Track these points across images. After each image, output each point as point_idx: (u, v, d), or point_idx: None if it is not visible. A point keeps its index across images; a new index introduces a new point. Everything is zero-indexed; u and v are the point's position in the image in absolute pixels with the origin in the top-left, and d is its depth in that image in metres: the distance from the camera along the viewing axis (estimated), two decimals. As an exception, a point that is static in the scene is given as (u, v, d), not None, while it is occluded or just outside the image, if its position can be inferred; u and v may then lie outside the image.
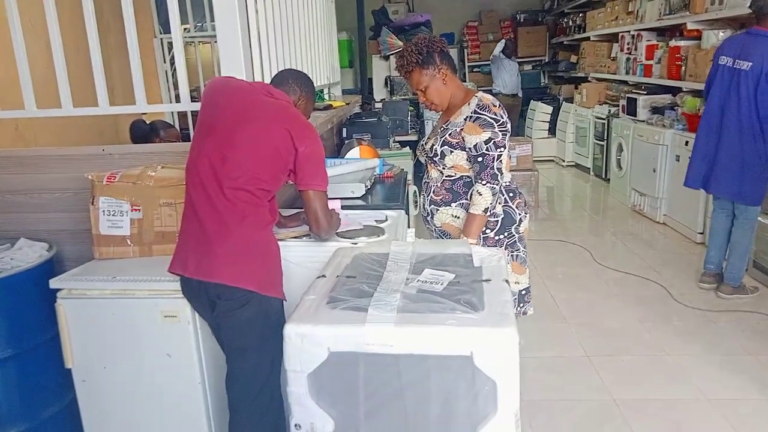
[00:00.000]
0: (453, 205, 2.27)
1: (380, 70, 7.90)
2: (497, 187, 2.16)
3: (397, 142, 4.91)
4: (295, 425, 1.44)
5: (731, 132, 3.50)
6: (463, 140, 2.18)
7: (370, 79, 7.93)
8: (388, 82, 7.82)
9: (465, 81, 9.07)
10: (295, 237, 2.10)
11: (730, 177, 3.56)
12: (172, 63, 5.58)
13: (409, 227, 2.61)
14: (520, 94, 8.49)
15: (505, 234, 2.27)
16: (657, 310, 3.63)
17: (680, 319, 3.51)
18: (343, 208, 2.42)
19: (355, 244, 2.00)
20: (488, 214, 2.18)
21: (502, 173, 2.18)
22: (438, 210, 2.30)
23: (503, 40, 8.42)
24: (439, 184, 2.29)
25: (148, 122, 3.57)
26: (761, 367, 2.95)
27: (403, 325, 1.35)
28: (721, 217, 3.78)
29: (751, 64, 3.38)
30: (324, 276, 1.64)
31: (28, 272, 2.07)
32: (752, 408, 2.63)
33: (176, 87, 5.40)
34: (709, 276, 3.88)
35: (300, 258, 2.02)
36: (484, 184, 2.15)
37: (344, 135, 4.54)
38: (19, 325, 2.07)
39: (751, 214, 3.64)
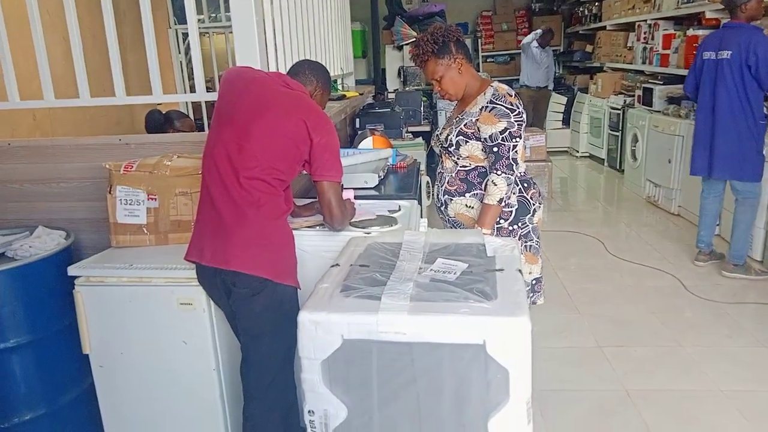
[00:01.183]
0: (467, 195, 2.27)
1: (393, 60, 7.88)
2: (512, 178, 2.16)
3: (410, 132, 4.91)
4: (309, 411, 1.46)
5: (724, 116, 3.76)
6: (479, 130, 2.18)
7: (384, 70, 7.91)
8: (402, 73, 7.81)
9: (479, 71, 9.00)
10: (309, 226, 2.11)
11: (729, 158, 3.77)
12: (187, 53, 5.61)
13: (421, 217, 2.62)
14: (551, 87, 8.00)
15: (519, 224, 2.27)
16: (671, 302, 3.62)
17: (694, 311, 3.49)
18: (357, 197, 2.43)
19: (369, 233, 2.01)
20: (503, 204, 2.19)
21: (517, 163, 2.17)
22: (452, 200, 2.31)
23: (540, 30, 7.69)
24: (453, 175, 2.29)
25: (162, 113, 3.59)
26: (776, 359, 2.93)
27: (416, 314, 1.35)
28: (711, 199, 4.04)
29: (730, 52, 3.69)
30: (338, 265, 1.65)
31: (46, 260, 2.10)
32: (765, 399, 2.61)
33: (191, 77, 5.44)
34: (703, 254, 4.14)
35: (314, 247, 2.04)
36: (499, 175, 2.15)
37: (357, 125, 4.55)
38: (38, 311, 2.10)
39: (752, 193, 3.78)
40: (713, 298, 3.62)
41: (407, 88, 7.45)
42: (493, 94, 2.18)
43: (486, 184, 2.20)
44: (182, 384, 2.03)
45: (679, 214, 5.29)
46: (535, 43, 7.60)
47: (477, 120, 2.18)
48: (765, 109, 3.76)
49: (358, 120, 4.59)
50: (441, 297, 1.41)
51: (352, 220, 2.09)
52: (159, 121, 3.48)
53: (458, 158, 2.26)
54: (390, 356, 1.38)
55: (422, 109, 5.88)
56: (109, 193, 2.17)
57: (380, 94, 6.26)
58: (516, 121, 2.15)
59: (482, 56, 9.57)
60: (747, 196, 3.77)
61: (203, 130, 3.63)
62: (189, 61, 5.62)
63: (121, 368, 2.04)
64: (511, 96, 2.18)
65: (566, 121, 8.42)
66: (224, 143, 1.78)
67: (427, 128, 5.58)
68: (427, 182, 3.13)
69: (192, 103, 5.19)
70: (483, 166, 2.23)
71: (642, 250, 4.52)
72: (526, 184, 2.29)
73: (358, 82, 6.28)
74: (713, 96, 3.80)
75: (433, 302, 1.39)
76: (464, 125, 2.21)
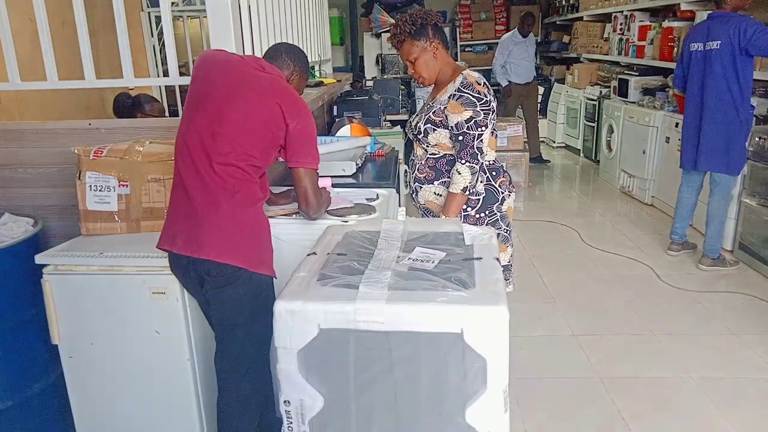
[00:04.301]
0: (435, 183, 2.28)
1: (371, 47, 7.83)
2: (477, 167, 2.16)
3: (388, 120, 4.89)
4: (285, 402, 1.44)
5: (713, 108, 3.72)
6: (447, 118, 2.18)
7: (362, 57, 7.86)
8: (380, 60, 7.76)
9: (457, 60, 8.96)
10: (284, 214, 2.08)
11: (716, 151, 3.75)
12: (160, 37, 5.49)
13: (399, 206, 2.60)
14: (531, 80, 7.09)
15: (487, 212, 2.28)
16: (644, 291, 3.67)
17: (666, 300, 3.54)
18: (334, 185, 2.41)
19: (346, 221, 1.99)
20: (467, 193, 2.19)
21: (482, 152, 2.17)
22: (422, 187, 2.32)
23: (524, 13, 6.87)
24: (423, 162, 2.30)
25: (131, 96, 3.50)
26: (744, 346, 2.99)
27: (393, 303, 1.34)
28: (689, 192, 4.06)
29: (719, 42, 3.63)
30: (315, 253, 1.63)
31: (12, 247, 2.04)
32: (734, 386, 2.67)
33: (164, 62, 5.32)
34: (676, 244, 4.21)
35: (290, 235, 2.01)
36: (463, 164, 2.15)
37: (335, 113, 4.51)
38: (4, 300, 2.04)
39: (727, 186, 3.80)
40: (685, 287, 3.68)
41: (385, 76, 7.42)
42: (461, 83, 2.17)
43: (452, 173, 2.20)
44: (155, 375, 1.99)
45: (652, 204, 5.37)
46: (518, 37, 6.89)
47: (445, 108, 2.18)
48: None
49: (335, 107, 4.55)
50: (419, 286, 1.40)
51: (330, 208, 2.06)
52: (127, 105, 3.39)
53: (427, 146, 2.27)
54: (367, 345, 1.36)
55: (400, 97, 5.87)
56: (79, 179, 2.11)
57: (358, 82, 6.21)
58: (482, 109, 2.14)
59: (460, 45, 9.55)
60: (724, 188, 3.79)
61: (177, 116, 3.56)
62: (162, 45, 5.50)
63: (91, 359, 1.99)
64: (480, 84, 2.17)
65: (543, 112, 8.46)
66: (198, 128, 1.73)
67: (406, 116, 5.56)
68: (405, 170, 3.12)
69: (165, 87, 5.09)
70: (451, 154, 2.23)
71: (616, 239, 4.58)
72: (494, 172, 2.29)
73: (335, 70, 6.22)
74: (702, 87, 3.75)
75: (411, 291, 1.38)
76: (432, 113, 2.21)
